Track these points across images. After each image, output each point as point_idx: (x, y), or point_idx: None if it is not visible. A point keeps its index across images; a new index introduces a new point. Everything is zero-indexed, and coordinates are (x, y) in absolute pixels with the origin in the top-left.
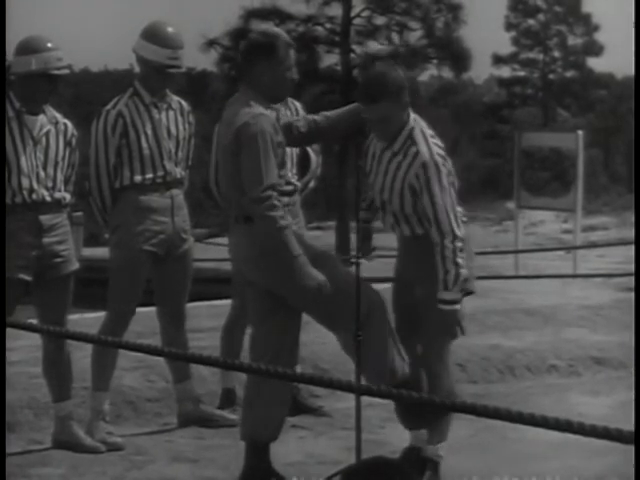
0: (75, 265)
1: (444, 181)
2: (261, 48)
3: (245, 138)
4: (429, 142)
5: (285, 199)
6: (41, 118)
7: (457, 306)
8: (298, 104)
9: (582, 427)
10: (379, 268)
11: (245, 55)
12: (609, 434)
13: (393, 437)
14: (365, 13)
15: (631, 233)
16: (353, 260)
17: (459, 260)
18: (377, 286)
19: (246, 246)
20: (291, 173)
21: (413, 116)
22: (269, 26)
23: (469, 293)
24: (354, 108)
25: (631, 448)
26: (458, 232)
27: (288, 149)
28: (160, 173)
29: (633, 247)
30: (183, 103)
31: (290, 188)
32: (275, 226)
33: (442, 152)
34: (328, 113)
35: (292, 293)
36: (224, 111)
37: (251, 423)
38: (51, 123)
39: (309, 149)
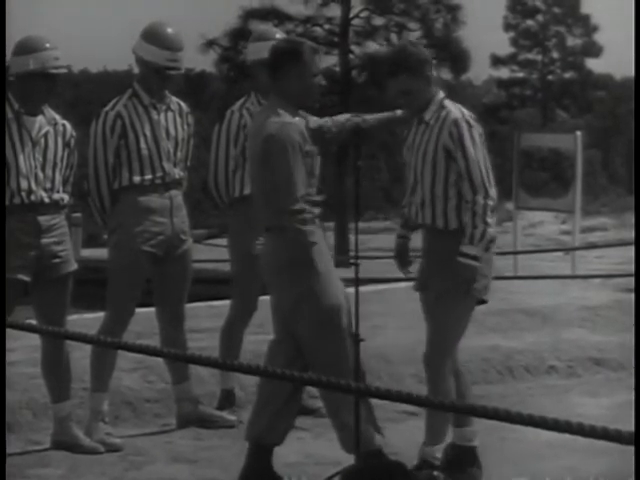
0: (73, 266)
1: (476, 137)
2: (287, 55)
3: (274, 149)
4: (461, 108)
5: (316, 210)
6: (40, 119)
7: (477, 263)
8: None
9: (581, 428)
10: (378, 269)
11: (271, 64)
12: (608, 435)
13: (393, 438)
14: (364, 14)
15: (630, 234)
16: (352, 261)
17: (489, 219)
18: (377, 287)
19: (272, 256)
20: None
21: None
22: (268, 27)
23: (482, 302)
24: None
25: (630, 449)
26: (490, 190)
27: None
28: (159, 174)
29: (632, 248)
30: (182, 104)
31: (320, 198)
32: (304, 240)
33: (474, 117)
34: (338, 117)
35: (305, 312)
36: (252, 120)
37: (259, 425)
38: (50, 124)
39: None
